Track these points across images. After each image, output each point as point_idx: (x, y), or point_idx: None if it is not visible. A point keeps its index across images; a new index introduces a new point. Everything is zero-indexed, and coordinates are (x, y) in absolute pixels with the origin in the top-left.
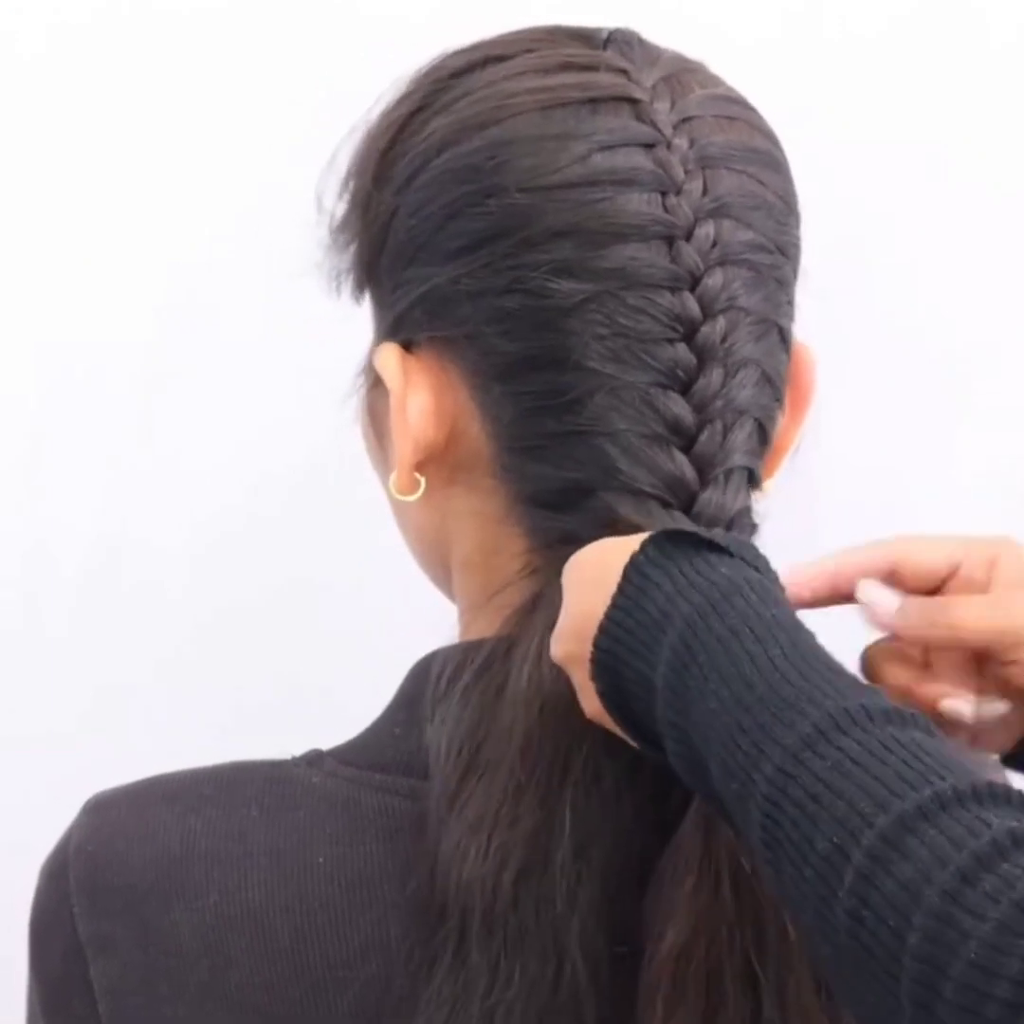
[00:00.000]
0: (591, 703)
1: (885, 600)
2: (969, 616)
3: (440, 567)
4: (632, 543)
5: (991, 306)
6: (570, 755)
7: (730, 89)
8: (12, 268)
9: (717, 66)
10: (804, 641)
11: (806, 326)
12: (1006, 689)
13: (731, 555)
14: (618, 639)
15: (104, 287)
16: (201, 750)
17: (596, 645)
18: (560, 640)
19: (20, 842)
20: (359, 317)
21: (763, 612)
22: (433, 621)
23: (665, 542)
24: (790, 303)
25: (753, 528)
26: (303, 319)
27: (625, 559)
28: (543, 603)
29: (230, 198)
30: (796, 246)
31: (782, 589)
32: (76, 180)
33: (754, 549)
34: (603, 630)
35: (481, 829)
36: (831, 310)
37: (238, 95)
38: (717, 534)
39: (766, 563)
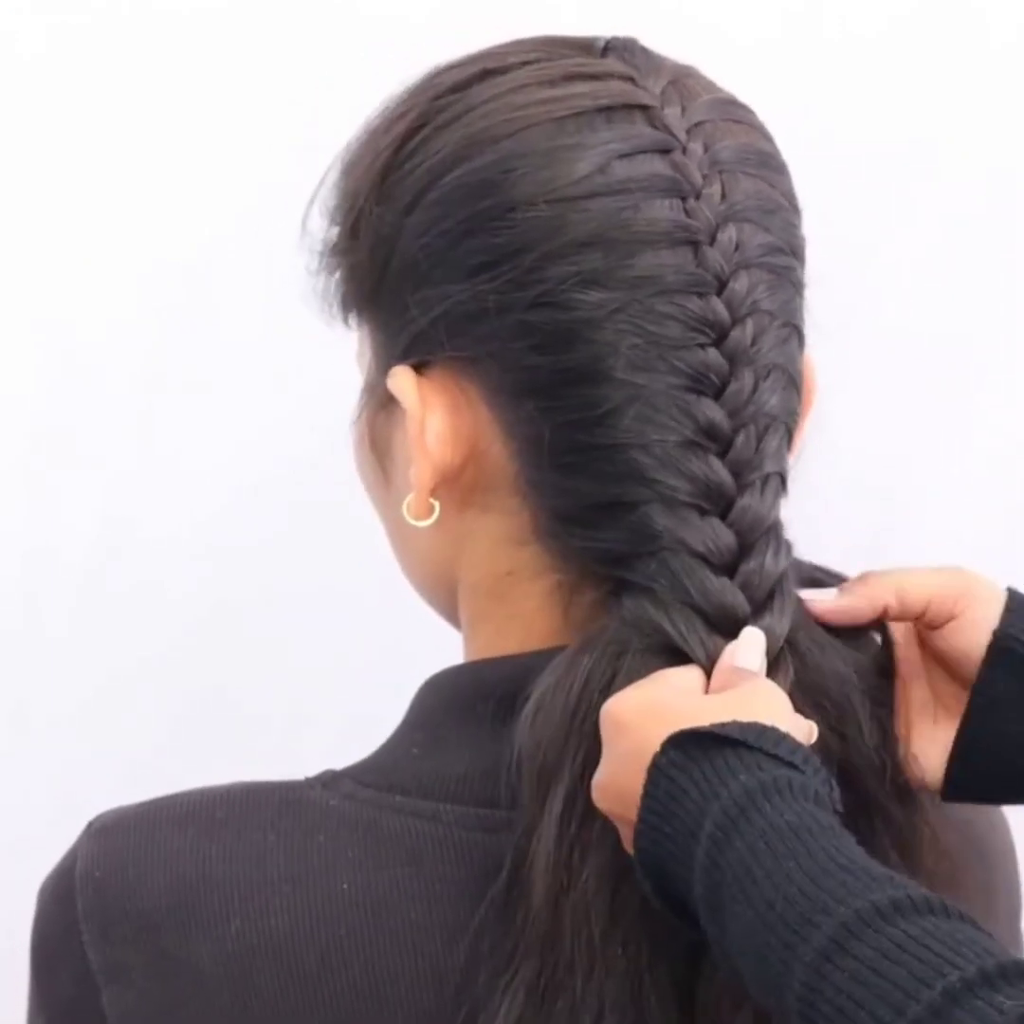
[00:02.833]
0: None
1: (821, 594)
2: (908, 575)
3: (444, 590)
4: (668, 712)
5: (993, 306)
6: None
7: (728, 92)
8: (12, 268)
9: (717, 66)
10: (818, 843)
11: (811, 324)
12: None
13: (750, 747)
14: (656, 842)
15: (104, 287)
16: (200, 749)
17: (636, 847)
18: (602, 795)
19: (20, 842)
20: None
21: (777, 821)
22: (434, 621)
23: (687, 743)
24: (803, 306)
25: (789, 548)
26: (303, 319)
27: (661, 737)
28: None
29: (230, 198)
30: (804, 246)
31: (809, 764)
32: (76, 180)
33: (773, 734)
34: (640, 834)
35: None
36: (835, 310)
37: (238, 95)
38: (732, 728)
39: (787, 745)
